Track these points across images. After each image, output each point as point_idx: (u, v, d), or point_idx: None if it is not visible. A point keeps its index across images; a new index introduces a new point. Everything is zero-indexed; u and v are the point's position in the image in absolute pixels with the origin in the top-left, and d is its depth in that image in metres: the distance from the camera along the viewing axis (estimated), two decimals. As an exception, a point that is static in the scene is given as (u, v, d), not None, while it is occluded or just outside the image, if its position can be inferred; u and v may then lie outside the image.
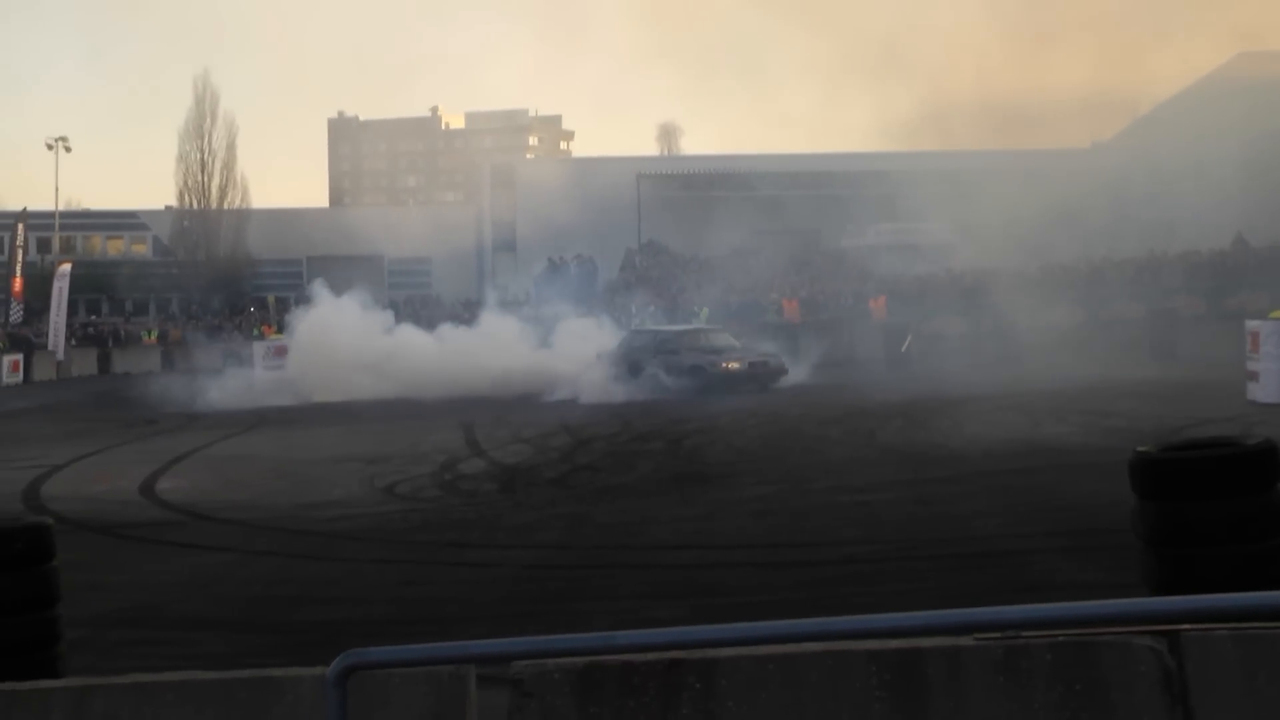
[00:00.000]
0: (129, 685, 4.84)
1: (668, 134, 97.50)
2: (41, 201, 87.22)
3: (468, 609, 11.06)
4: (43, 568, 7.85)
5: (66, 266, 58.03)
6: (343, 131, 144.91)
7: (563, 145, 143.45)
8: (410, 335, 36.48)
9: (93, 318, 65.08)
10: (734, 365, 31.78)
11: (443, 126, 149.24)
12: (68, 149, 66.80)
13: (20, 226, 59.13)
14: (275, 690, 4.76)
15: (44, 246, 67.64)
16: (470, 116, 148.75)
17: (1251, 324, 23.04)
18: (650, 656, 4.46)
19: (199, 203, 69.17)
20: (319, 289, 38.78)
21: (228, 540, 14.86)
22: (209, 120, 70.54)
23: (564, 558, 13.12)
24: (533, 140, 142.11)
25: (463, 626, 10.24)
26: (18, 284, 58.28)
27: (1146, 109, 51.29)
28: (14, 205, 65.45)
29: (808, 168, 56.55)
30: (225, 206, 68.87)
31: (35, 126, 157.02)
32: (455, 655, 4.52)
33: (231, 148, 70.54)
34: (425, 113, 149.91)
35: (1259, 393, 21.98)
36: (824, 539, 13.12)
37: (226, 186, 69.97)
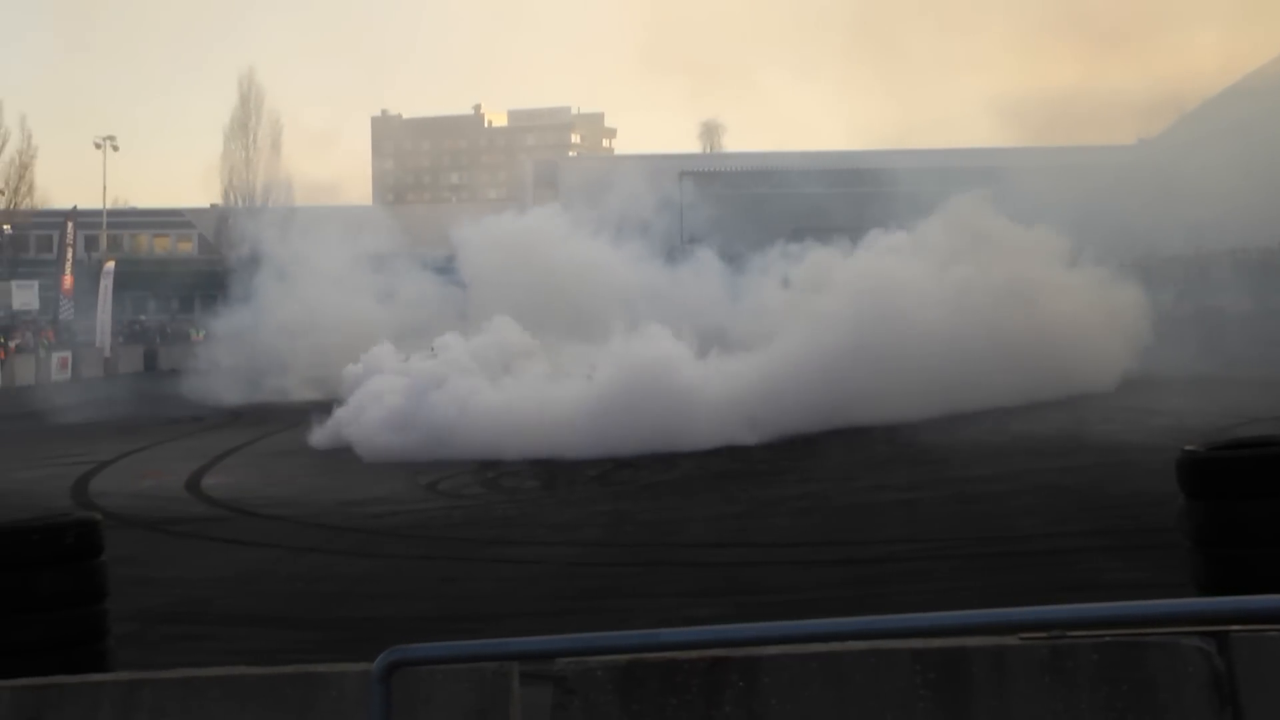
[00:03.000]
0: (176, 680, 4.88)
1: (710, 131, 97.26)
2: (89, 200, 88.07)
3: (510, 606, 11.09)
4: (91, 563, 7.92)
5: (111, 264, 58.57)
6: (386, 129, 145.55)
7: (605, 143, 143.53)
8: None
9: (141, 317, 65.69)
10: None
11: (485, 124, 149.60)
12: (115, 148, 67.41)
13: (70, 225, 59.70)
14: (320, 686, 4.79)
15: (92, 244, 68.30)
16: (513, 114, 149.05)
17: None
18: (693, 654, 4.45)
19: (243, 201, 69.68)
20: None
21: (272, 536, 14.97)
22: (254, 118, 71.12)
23: (605, 555, 13.14)
24: (575, 138, 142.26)
25: (505, 623, 10.27)
26: (68, 281, 58.89)
27: (1193, 105, 50.83)
28: (63, 204, 66.13)
29: (851, 164, 56.36)
30: (269, 204, 69.36)
31: (84, 126, 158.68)
32: (499, 652, 4.53)
33: (276, 146, 71.09)
34: (468, 110, 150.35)
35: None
36: (867, 537, 13.07)
37: (271, 184, 70.51)
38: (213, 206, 72.30)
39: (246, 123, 71.32)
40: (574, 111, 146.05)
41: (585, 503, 16.66)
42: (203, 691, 4.81)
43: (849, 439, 20.69)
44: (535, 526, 15.03)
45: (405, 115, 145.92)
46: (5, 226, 69.39)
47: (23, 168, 71.75)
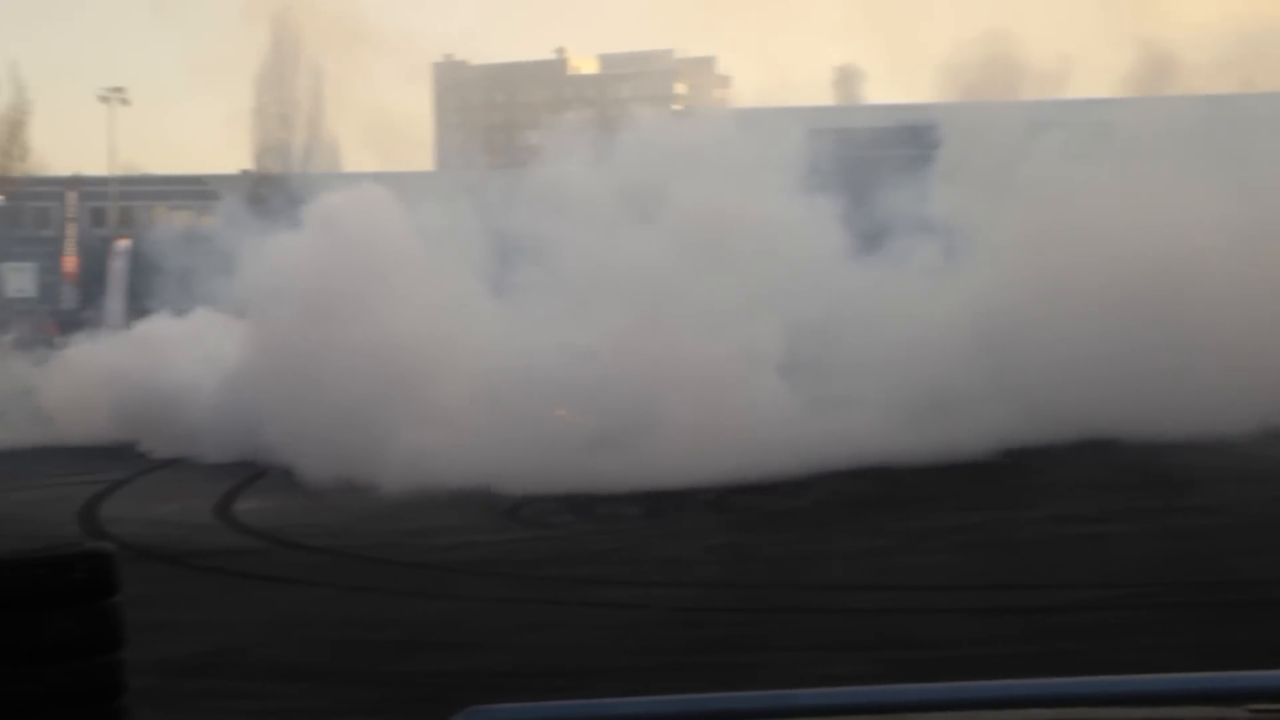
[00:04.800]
0: (211, 745, 4.99)
1: (847, 79, 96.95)
2: (94, 166, 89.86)
3: (605, 659, 11.15)
4: (104, 603, 8.06)
5: (126, 243, 59.59)
6: (451, 78, 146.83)
7: (717, 93, 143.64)
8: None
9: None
10: None
11: (570, 71, 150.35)
12: (124, 102, 68.50)
13: (71, 195, 60.42)
14: (383, 754, 4.86)
15: (99, 218, 69.57)
16: (604, 59, 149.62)
17: None
18: (838, 722, 4.45)
19: (280, 166, 70.62)
20: None
21: (319, 573, 15.18)
22: (290, 67, 71.95)
23: (722, 598, 13.16)
24: (680, 88, 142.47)
25: (599, 681, 10.33)
26: (70, 263, 59.63)
27: None
28: (64, 171, 67.19)
29: (1028, 117, 55.49)
30: (311, 170, 70.23)
31: (87, 77, 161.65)
32: (594, 715, 4.56)
33: (318, 100, 71.85)
34: (550, 55, 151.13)
35: None
36: (1047, 580, 12.96)
37: (312, 146, 71.37)
38: (243, 173, 73.43)
39: (282, 72, 72.25)
40: (678, 56, 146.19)
41: (696, 534, 16.69)
42: (243, 759, 4.91)
43: (1020, 458, 20.43)
44: (636, 563, 15.10)
45: (473, 61, 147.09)
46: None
47: (15, 126, 73.33)
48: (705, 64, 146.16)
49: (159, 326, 30.29)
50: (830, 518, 17.32)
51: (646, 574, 14.45)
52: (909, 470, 19.60)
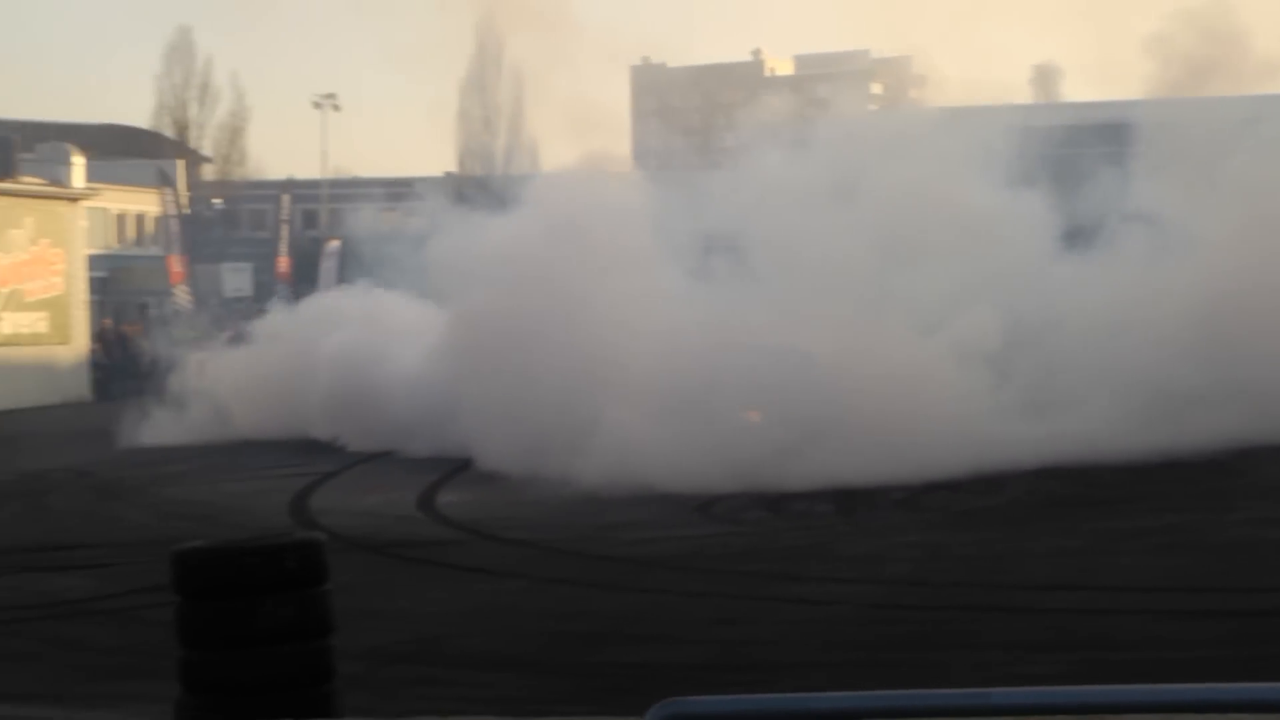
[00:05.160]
0: (415, 729, 5.07)
1: (1044, 77, 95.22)
2: (307, 170, 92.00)
3: (799, 654, 11.12)
4: (315, 591, 8.25)
5: (336, 243, 60.87)
6: (648, 81, 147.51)
7: (913, 93, 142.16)
8: None
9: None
10: None
11: (767, 73, 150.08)
12: (336, 108, 70.02)
13: (285, 198, 61.98)
14: (580, 742, 4.90)
15: (310, 220, 71.19)
16: (800, 60, 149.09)
17: None
18: (1034, 721, 4.38)
19: (482, 167, 71.60)
20: None
21: (518, 564, 15.36)
22: (493, 72, 72.94)
23: (916, 596, 13.04)
24: (876, 88, 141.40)
25: (793, 675, 10.31)
26: (283, 264, 61.10)
27: None
28: (278, 175, 68.80)
29: (1229, 112, 54.04)
30: (512, 171, 71.07)
31: (300, 84, 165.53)
32: (793, 710, 4.54)
33: (518, 103, 72.72)
34: (746, 57, 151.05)
35: None
36: (1247, 584, 12.61)
37: (513, 148, 72.25)
38: (447, 175, 74.59)
39: (484, 78, 73.25)
40: (874, 56, 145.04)
41: (889, 532, 16.55)
42: (445, 744, 4.98)
43: (1225, 459, 19.90)
44: (830, 560, 15.02)
45: (671, 64, 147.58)
46: (216, 200, 72.93)
47: (234, 133, 75.49)
48: (901, 64, 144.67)
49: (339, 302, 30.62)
50: (1025, 517, 17.06)
51: (839, 570, 14.37)
52: (1106, 469, 19.17)
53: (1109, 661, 10.03)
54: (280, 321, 31.86)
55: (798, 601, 13.09)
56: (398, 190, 76.13)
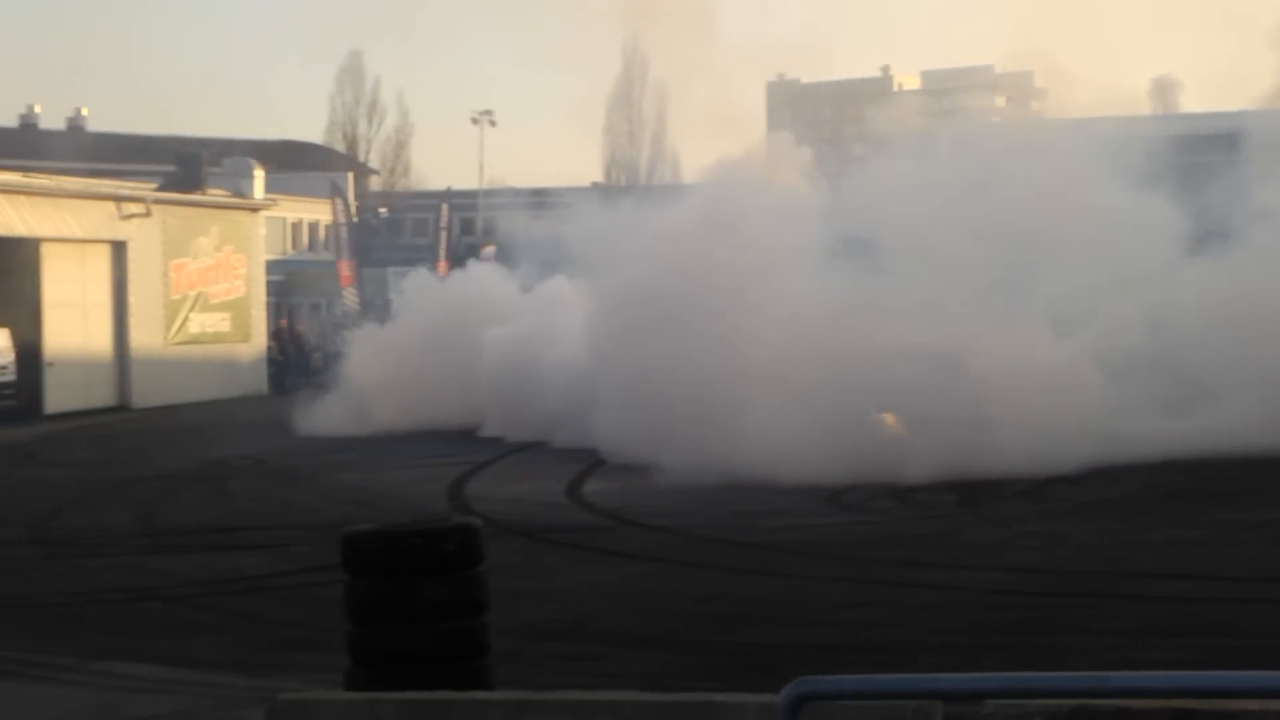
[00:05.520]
0: (563, 702, 5.10)
1: (1163, 89, 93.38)
2: (465, 181, 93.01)
3: (924, 637, 11.01)
4: (472, 572, 8.34)
5: (490, 249, 61.48)
6: (783, 96, 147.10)
7: (1035, 106, 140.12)
8: None
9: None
10: None
11: (895, 88, 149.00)
12: (492, 123, 70.69)
13: (444, 207, 62.98)
14: (716, 716, 4.89)
15: (467, 227, 71.96)
16: (927, 75, 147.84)
17: None
18: (1153, 704, 4.29)
19: (627, 178, 71.85)
20: None
21: (659, 549, 15.38)
22: (638, 88, 73.16)
23: (1036, 583, 12.85)
24: (999, 101, 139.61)
25: (919, 657, 10.21)
26: (442, 269, 62.08)
27: None
28: (438, 185, 69.73)
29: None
30: (654, 181, 71.21)
31: (459, 101, 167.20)
32: (920, 689, 4.50)
33: (661, 117, 72.85)
34: (875, 73, 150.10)
35: None
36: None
37: (656, 160, 72.43)
38: (593, 185, 74.92)
39: (630, 93, 73.49)
40: (997, 71, 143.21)
41: (1011, 522, 16.34)
42: (591, 715, 5.01)
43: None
44: (954, 548, 14.85)
45: (804, 79, 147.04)
46: (382, 209, 74.02)
47: (399, 146, 76.51)
48: (1024, 78, 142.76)
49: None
50: (1144, 508, 16.75)
51: (962, 558, 14.21)
52: (1225, 463, 18.74)
53: (1226, 649, 9.82)
54: (430, 298, 31.96)
55: (922, 586, 12.96)
56: (548, 199, 76.76)
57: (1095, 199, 22.42)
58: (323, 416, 28.27)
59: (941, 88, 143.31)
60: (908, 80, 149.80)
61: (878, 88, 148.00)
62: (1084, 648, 10.15)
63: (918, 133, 27.94)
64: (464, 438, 25.98)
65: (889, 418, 20.19)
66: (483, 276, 33.03)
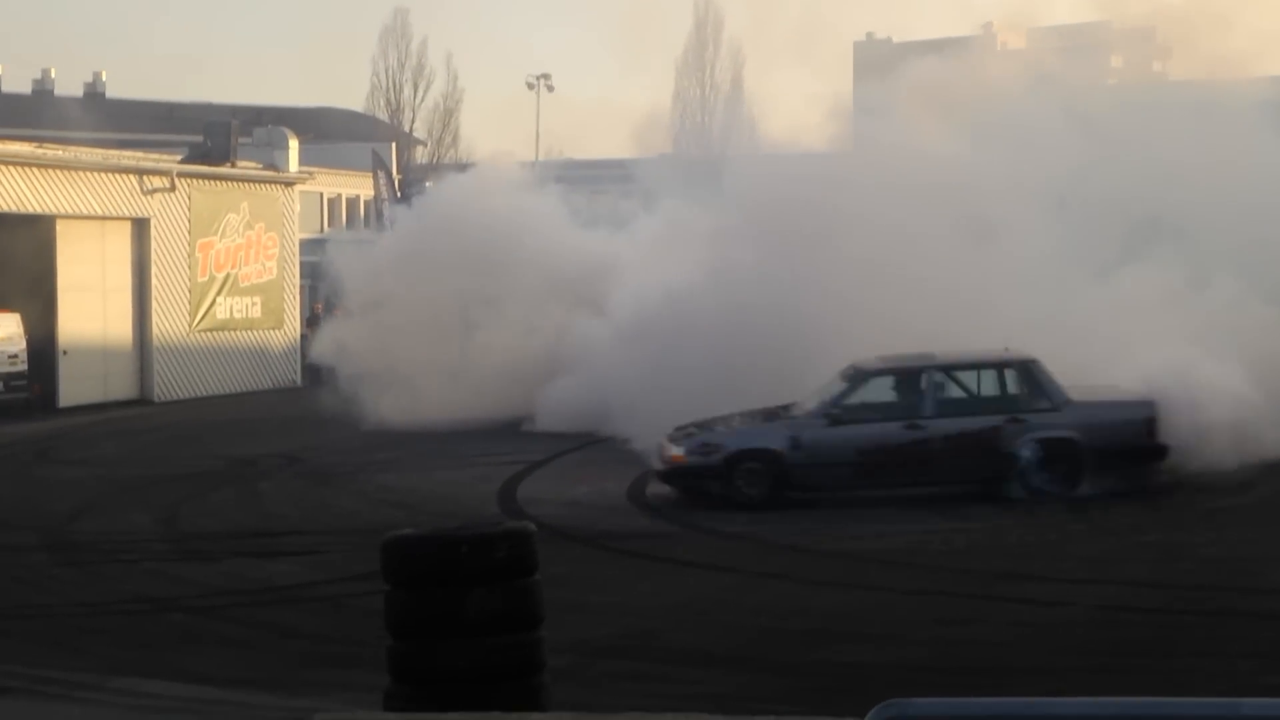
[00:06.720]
0: (623, 725, 5.11)
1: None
2: (522, 151, 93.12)
3: (1026, 657, 10.99)
4: (525, 581, 8.36)
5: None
6: (872, 57, 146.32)
7: (1156, 66, 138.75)
8: None
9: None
10: None
11: (998, 47, 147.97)
12: (550, 88, 70.78)
13: (497, 181, 62.94)
14: (794, 743, 4.89)
15: (520, 204, 71.99)
16: (1033, 33, 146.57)
17: None
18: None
19: (698, 149, 71.77)
20: None
21: (731, 558, 15.39)
22: (711, 49, 73.07)
23: (1154, 599, 12.80)
24: (1115, 61, 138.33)
25: (1019, 680, 10.18)
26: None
27: None
28: (488, 155, 69.71)
29: None
30: (730, 153, 71.08)
31: (514, 64, 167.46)
32: (1020, 714, 4.49)
33: (737, 82, 72.73)
34: (975, 31, 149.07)
35: None
36: None
37: (730, 128, 72.27)
38: (661, 157, 74.89)
39: (702, 54, 73.43)
40: (1114, 27, 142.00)
41: (1126, 530, 16.24)
42: (654, 741, 5.01)
43: None
44: (1061, 559, 14.79)
45: (895, 39, 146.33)
46: (428, 183, 74.31)
47: (447, 114, 76.81)
48: (1144, 35, 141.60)
49: None
50: (1274, 517, 16.60)
51: (1071, 571, 14.13)
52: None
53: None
54: None
55: (1024, 602, 12.92)
56: (611, 172, 76.76)
57: (1223, 170, 22.32)
58: (364, 410, 28.38)
59: (1050, 46, 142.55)
60: (1013, 39, 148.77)
61: (979, 47, 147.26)
62: (1208, 670, 10.12)
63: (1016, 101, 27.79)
64: (517, 434, 25.99)
65: None
66: None
